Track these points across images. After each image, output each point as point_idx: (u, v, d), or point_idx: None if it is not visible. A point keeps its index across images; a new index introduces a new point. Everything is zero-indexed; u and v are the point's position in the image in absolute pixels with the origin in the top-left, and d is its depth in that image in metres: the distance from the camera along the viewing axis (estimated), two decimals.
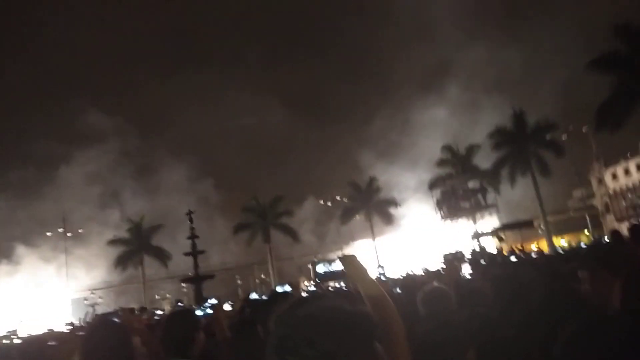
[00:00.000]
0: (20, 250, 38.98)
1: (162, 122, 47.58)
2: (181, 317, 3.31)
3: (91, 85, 50.24)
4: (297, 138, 48.67)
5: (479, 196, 32.48)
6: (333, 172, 45.31)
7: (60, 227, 39.43)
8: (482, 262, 14.53)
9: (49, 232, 39.65)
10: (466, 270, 5.76)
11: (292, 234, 40.54)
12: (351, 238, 43.41)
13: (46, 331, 9.62)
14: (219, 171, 44.51)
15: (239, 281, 42.16)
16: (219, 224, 39.71)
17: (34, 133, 43.97)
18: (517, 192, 37.04)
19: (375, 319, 1.12)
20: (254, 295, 11.65)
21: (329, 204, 44.67)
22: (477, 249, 28.29)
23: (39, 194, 40.72)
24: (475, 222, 32.84)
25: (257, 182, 46.79)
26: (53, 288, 38.47)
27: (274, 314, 1.10)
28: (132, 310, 9.27)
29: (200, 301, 19.86)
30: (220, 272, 33.84)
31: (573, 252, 12.24)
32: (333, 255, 39.32)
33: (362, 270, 1.94)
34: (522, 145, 34.68)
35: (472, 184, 33.53)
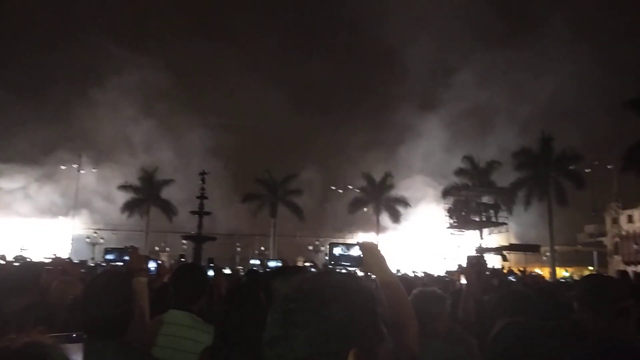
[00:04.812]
0: (33, 174, 39.69)
1: (185, 84, 48.25)
2: (196, 270, 3.40)
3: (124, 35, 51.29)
4: (318, 128, 49.24)
5: (491, 212, 32.17)
6: (349, 164, 45.42)
7: (75, 163, 39.95)
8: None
9: (63, 165, 40.20)
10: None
11: (298, 212, 40.74)
12: (352, 228, 43.53)
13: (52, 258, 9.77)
14: (237, 142, 44.88)
15: (238, 249, 42.50)
16: (228, 190, 39.96)
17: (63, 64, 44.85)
18: (530, 216, 36.77)
19: (379, 297, 1.14)
20: (256, 262, 11.73)
21: (340, 191, 44.67)
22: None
23: (65, 119, 41.39)
24: (482, 237, 32.58)
25: (271, 159, 47.19)
26: (58, 221, 39.14)
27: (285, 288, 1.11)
28: (146, 257, 9.40)
29: (199, 260, 19.96)
30: (222, 236, 34.07)
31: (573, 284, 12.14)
32: (345, 239, 39.39)
33: (381, 260, 1.91)
34: (544, 171, 34.37)
35: (486, 199, 33.24)
